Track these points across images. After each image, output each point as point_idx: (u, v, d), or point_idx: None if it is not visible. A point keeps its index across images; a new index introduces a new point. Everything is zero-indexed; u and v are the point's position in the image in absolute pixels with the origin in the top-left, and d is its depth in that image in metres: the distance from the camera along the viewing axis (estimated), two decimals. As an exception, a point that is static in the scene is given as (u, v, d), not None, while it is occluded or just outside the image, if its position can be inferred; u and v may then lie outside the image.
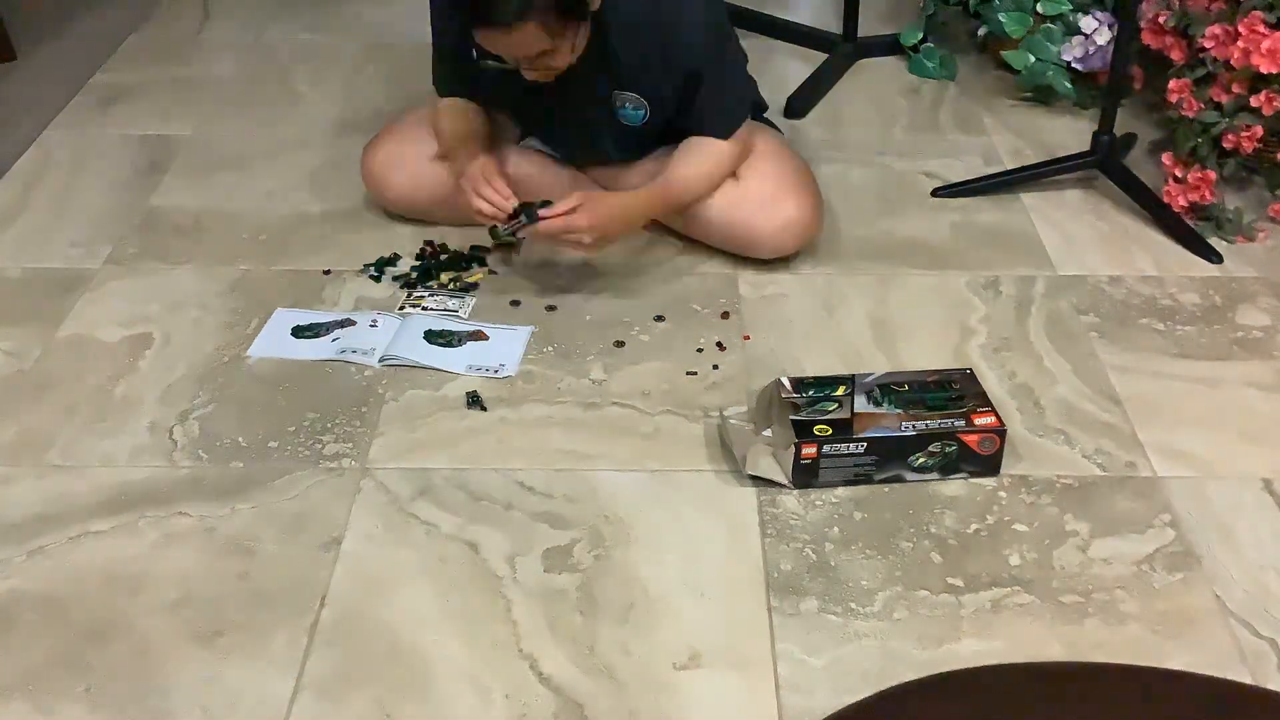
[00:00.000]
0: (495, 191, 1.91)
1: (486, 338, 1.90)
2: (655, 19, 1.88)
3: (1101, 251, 2.13)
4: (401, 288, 2.02)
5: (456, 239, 2.12)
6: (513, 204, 1.90)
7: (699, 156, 2.00)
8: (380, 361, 1.85)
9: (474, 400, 1.78)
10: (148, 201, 2.28)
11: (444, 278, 2.04)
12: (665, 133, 2.04)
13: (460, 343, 1.89)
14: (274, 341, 1.90)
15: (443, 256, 2.09)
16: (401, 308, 1.97)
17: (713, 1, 1.97)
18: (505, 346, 1.89)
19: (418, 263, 2.08)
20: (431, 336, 1.90)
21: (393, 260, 2.08)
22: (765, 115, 2.24)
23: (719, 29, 1.97)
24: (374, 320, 1.93)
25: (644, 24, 1.88)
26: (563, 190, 2.01)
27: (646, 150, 2.08)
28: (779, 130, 2.22)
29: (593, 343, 1.91)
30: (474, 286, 2.03)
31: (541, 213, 1.87)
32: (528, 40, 1.76)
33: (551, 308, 1.98)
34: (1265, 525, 1.59)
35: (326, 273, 2.06)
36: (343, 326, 1.92)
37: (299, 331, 1.92)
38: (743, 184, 2.03)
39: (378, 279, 2.04)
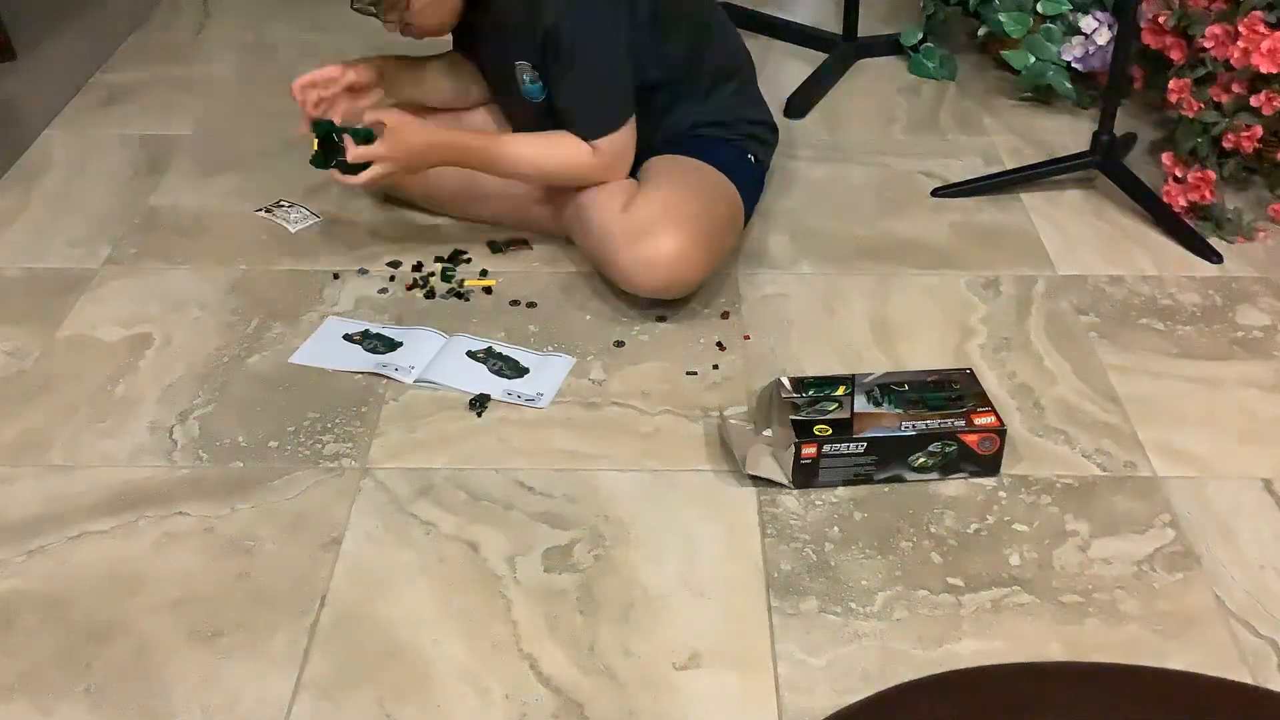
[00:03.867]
0: (311, 87, 1.93)
1: (528, 371, 1.85)
2: None
3: (1101, 251, 2.13)
4: (425, 295, 2.01)
5: (456, 240, 2.13)
6: (320, 122, 1.90)
7: (551, 139, 1.93)
8: (415, 382, 1.81)
9: (479, 404, 1.77)
10: (148, 201, 2.28)
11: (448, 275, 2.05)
12: None
13: (511, 375, 1.83)
14: (320, 350, 1.88)
15: (457, 265, 2.08)
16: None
17: None
18: (546, 376, 1.84)
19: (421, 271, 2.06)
20: (479, 357, 1.86)
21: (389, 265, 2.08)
22: (758, 164, 2.11)
23: (591, 10, 1.85)
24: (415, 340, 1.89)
25: None
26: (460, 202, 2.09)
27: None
28: (739, 195, 2.02)
29: (593, 343, 1.91)
30: (489, 290, 2.02)
31: (350, 150, 1.86)
32: None
33: (533, 304, 1.98)
34: (1265, 525, 1.59)
35: (363, 272, 2.07)
36: (391, 349, 1.87)
37: (350, 337, 1.90)
38: (627, 209, 1.90)
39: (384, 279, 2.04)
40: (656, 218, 1.88)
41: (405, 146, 1.88)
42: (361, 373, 1.84)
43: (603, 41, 1.88)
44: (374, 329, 1.93)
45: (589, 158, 1.92)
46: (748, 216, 2.10)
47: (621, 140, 1.94)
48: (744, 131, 2.09)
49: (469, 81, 2.14)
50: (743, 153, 2.08)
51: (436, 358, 1.86)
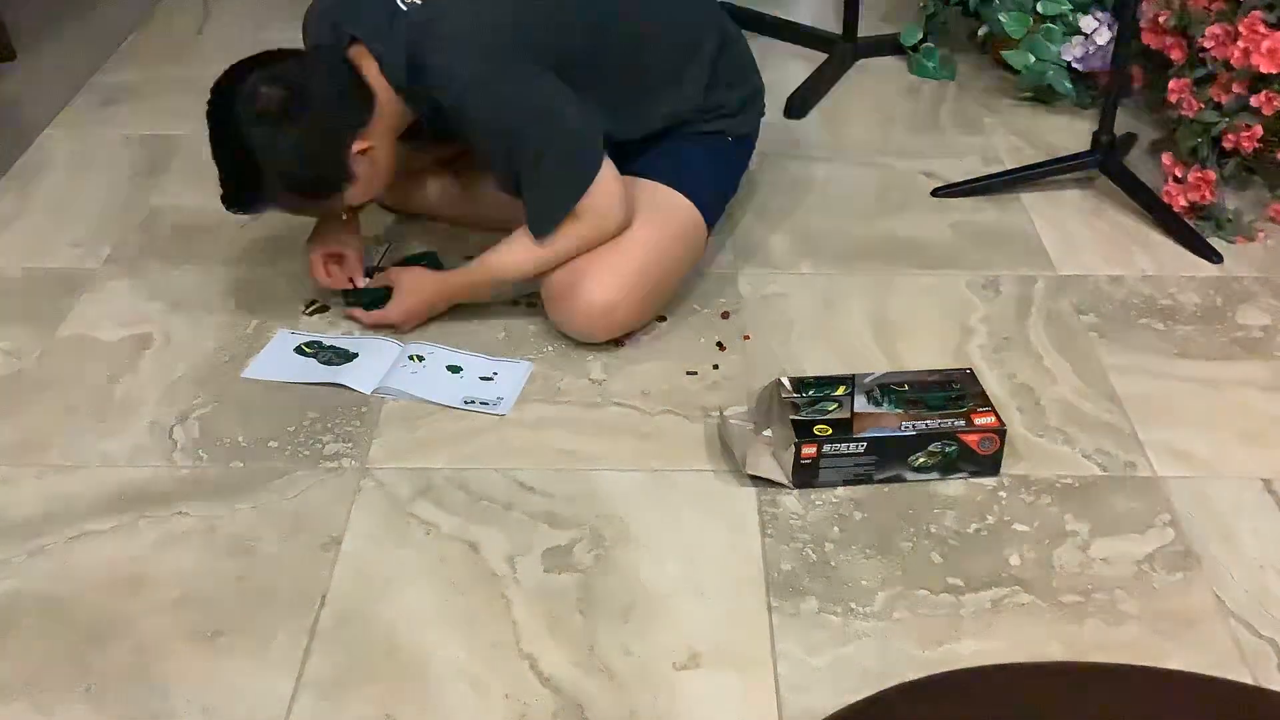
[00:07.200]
0: (329, 271, 1.94)
1: (492, 378, 1.83)
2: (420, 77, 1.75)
3: (1101, 251, 2.13)
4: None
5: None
6: (350, 282, 1.94)
7: (520, 243, 1.83)
8: (373, 392, 1.79)
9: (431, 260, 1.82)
10: (148, 201, 2.28)
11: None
12: None
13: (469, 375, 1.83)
14: (272, 363, 1.86)
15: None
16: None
17: (490, 55, 1.74)
18: (505, 381, 1.82)
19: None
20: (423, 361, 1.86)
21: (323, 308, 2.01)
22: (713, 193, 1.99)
23: (504, 96, 1.74)
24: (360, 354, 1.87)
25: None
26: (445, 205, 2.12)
27: None
28: (698, 218, 1.91)
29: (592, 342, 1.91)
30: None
31: (357, 313, 1.91)
32: (292, 208, 1.88)
33: (533, 304, 1.96)
34: (1265, 525, 1.59)
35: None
36: (347, 360, 1.85)
37: (302, 350, 1.88)
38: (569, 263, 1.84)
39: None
40: (586, 269, 1.82)
41: (416, 300, 1.90)
42: (317, 384, 1.82)
43: (564, 140, 1.79)
44: (327, 340, 1.90)
45: (540, 250, 1.82)
46: (735, 189, 2.08)
47: (582, 215, 1.80)
48: (719, 113, 1.98)
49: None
50: (718, 142, 2.00)
51: (394, 366, 1.83)
